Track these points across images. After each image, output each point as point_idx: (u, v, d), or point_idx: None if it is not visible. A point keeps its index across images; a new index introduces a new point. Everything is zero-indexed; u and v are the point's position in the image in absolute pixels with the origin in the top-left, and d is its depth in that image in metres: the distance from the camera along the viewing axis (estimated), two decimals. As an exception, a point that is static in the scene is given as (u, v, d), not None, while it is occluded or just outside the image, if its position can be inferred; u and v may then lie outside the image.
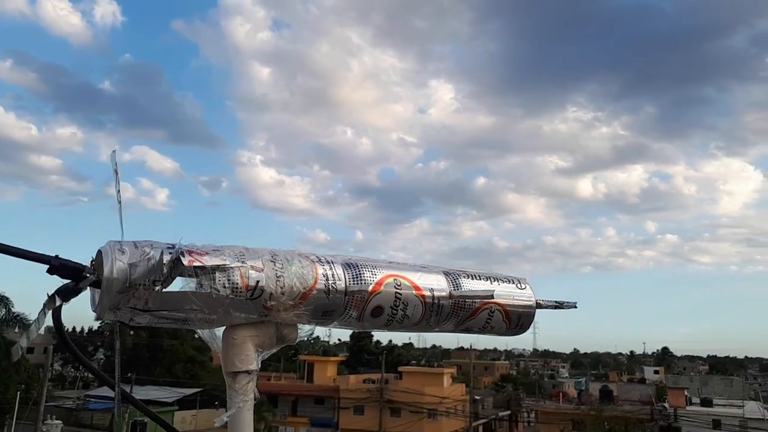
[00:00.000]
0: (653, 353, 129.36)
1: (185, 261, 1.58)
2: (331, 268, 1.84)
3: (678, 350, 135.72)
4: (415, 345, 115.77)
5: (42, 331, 1.61)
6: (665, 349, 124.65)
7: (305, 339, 2.07)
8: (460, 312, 2.03)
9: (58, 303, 1.50)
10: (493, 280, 2.15)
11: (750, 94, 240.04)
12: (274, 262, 1.74)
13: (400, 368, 51.74)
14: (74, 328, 67.59)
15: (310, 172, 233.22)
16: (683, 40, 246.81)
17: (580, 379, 79.99)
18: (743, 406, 41.86)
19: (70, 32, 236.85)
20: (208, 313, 1.63)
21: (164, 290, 1.58)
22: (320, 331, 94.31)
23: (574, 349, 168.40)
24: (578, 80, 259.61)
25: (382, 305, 1.88)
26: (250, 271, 1.67)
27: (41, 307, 1.47)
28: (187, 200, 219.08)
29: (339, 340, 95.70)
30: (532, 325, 2.22)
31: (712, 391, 54.45)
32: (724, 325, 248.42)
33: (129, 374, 39.19)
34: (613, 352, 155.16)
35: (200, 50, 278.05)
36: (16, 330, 30.96)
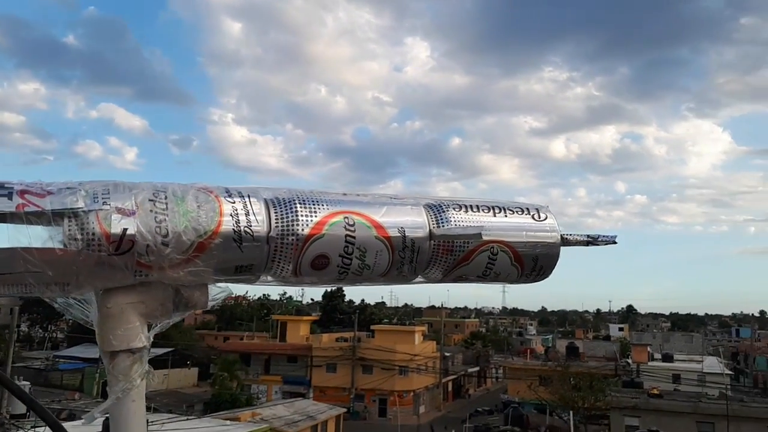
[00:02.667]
0: (618, 311, 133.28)
1: (12, 206, 1.14)
2: (245, 206, 1.33)
3: (642, 308, 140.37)
4: (388, 304, 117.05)
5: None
6: (630, 307, 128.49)
7: (219, 303, 1.49)
8: (446, 256, 1.54)
9: None
10: (498, 210, 1.63)
11: (723, 55, 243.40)
12: (155, 201, 1.25)
13: (372, 327, 52.30)
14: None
15: (283, 131, 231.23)
16: (660, 0, 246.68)
17: (547, 337, 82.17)
18: (702, 362, 43.46)
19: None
20: (56, 276, 1.17)
21: None
22: (293, 291, 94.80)
23: (542, 307, 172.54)
24: (555, 40, 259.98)
25: (326, 253, 1.39)
26: (114, 215, 1.19)
27: None
28: (157, 159, 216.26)
29: (312, 299, 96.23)
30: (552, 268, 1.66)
31: (673, 347, 56.33)
32: (687, 283, 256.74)
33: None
34: (580, 310, 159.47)
35: (168, 3, 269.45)
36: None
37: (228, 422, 21.98)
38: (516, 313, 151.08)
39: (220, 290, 1.45)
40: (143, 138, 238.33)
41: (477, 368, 58.41)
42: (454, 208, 1.57)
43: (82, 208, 1.18)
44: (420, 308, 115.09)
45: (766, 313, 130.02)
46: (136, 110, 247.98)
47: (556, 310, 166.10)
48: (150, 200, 1.25)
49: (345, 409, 34.86)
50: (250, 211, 1.32)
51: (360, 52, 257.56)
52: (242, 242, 1.29)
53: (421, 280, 1.62)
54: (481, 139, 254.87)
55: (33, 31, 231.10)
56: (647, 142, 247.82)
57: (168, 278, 1.28)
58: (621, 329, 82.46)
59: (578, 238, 1.72)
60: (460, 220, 1.56)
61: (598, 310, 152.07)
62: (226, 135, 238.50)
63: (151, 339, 1.35)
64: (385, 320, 71.77)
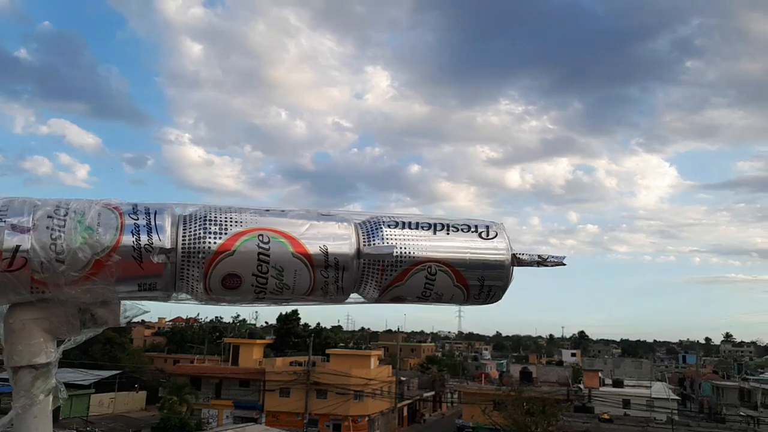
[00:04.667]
0: (571, 336, 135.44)
1: None
2: (148, 222, 1.30)
3: (594, 334, 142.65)
4: (344, 328, 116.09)
5: None
6: (582, 333, 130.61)
7: (129, 321, 1.47)
8: (378, 275, 1.45)
9: None
10: (440, 227, 1.54)
11: (670, 95, 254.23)
12: (53, 218, 1.24)
13: (327, 351, 51.74)
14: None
15: (241, 153, 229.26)
16: (612, 40, 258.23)
17: (501, 362, 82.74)
18: (651, 387, 44.45)
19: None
20: None
21: None
22: (246, 314, 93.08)
23: (497, 332, 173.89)
24: (511, 74, 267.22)
25: (237, 272, 1.33)
26: (7, 232, 1.19)
27: None
28: (110, 177, 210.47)
29: (266, 322, 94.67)
30: (496, 294, 1.57)
31: (623, 372, 57.51)
32: (637, 310, 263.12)
33: None
34: (534, 335, 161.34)
35: (127, 22, 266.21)
36: None
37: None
38: (472, 337, 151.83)
39: (133, 308, 1.43)
40: (96, 155, 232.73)
41: (432, 393, 58.25)
42: (389, 225, 1.48)
43: None
44: (377, 332, 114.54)
45: (711, 340, 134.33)
46: (89, 127, 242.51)
47: (510, 335, 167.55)
48: (49, 217, 1.23)
49: (298, 435, 34.23)
50: (153, 228, 1.28)
51: (321, 78, 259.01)
52: (142, 260, 1.26)
53: (358, 299, 1.53)
54: (439, 167, 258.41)
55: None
56: (599, 174, 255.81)
57: (66, 295, 1.26)
58: (573, 355, 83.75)
59: (529, 257, 1.63)
60: (394, 238, 1.46)
61: (551, 335, 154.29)
62: (182, 155, 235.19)
63: (59, 355, 1.33)
64: (341, 344, 71.08)
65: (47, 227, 1.23)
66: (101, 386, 44.17)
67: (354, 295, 1.52)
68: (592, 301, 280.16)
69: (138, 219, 1.29)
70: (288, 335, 70.04)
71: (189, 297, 1.39)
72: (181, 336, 74.98)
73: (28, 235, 1.21)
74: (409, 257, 1.45)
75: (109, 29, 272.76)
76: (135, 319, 1.45)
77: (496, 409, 38.27)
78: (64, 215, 1.26)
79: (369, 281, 1.47)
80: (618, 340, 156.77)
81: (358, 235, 1.46)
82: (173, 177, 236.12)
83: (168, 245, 1.29)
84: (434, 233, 1.51)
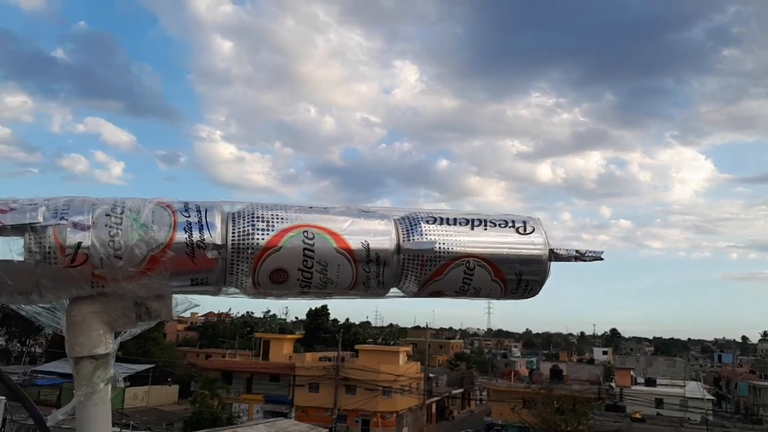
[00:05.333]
0: (603, 334, 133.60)
1: None
2: (200, 220, 1.35)
3: (626, 332, 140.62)
4: (373, 323, 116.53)
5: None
6: (614, 331, 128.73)
7: (180, 314, 1.52)
8: (418, 270, 1.47)
9: None
10: (477, 223, 1.55)
11: (706, 86, 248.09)
12: (111, 216, 1.30)
13: (356, 346, 51.96)
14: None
15: (271, 149, 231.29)
16: (646, 30, 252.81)
17: (531, 359, 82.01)
18: (684, 386, 43.61)
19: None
20: (16, 286, 1.24)
21: None
22: (276, 309, 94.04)
23: (527, 329, 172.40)
24: (542, 66, 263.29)
25: (284, 267, 1.37)
26: (69, 230, 1.24)
27: None
28: (144, 174, 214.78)
29: (296, 318, 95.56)
30: (536, 288, 1.56)
31: (656, 371, 56.59)
32: (671, 308, 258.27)
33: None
34: (564, 332, 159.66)
35: (159, 21, 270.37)
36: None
37: (208, 441, 21.64)
38: (501, 334, 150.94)
39: (185, 302, 1.47)
40: (130, 153, 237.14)
41: (461, 390, 58.11)
42: (427, 221, 1.50)
43: (40, 222, 1.24)
44: (405, 328, 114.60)
45: (747, 339, 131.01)
46: (124, 125, 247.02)
47: (540, 332, 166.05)
48: (107, 215, 1.28)
49: (327, 430, 34.46)
50: (205, 225, 1.32)
51: (350, 74, 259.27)
52: (195, 255, 1.30)
53: (397, 293, 1.55)
54: (469, 162, 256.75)
55: (21, 44, 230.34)
56: (632, 168, 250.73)
57: (124, 290, 1.31)
58: (605, 353, 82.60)
59: (567, 252, 1.62)
60: (433, 233, 1.48)
61: (582, 333, 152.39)
62: (213, 152, 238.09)
63: (117, 347, 1.38)
64: (370, 340, 71.39)
65: (106, 225, 1.27)
66: (135, 380, 45.15)
67: (394, 290, 1.53)
68: (625, 298, 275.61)
69: (190, 216, 1.33)
70: (317, 330, 70.61)
71: (238, 291, 1.42)
72: (213, 331, 76.14)
73: (89, 233, 1.25)
74: (448, 252, 1.46)
75: (140, 28, 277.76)
76: (185, 313, 1.48)
77: (526, 407, 38.00)
78: (121, 213, 1.30)
79: (409, 276, 1.48)
80: (651, 338, 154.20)
81: (397, 230, 1.48)
82: (205, 174, 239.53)
83: (219, 241, 1.33)
84: (472, 228, 1.52)
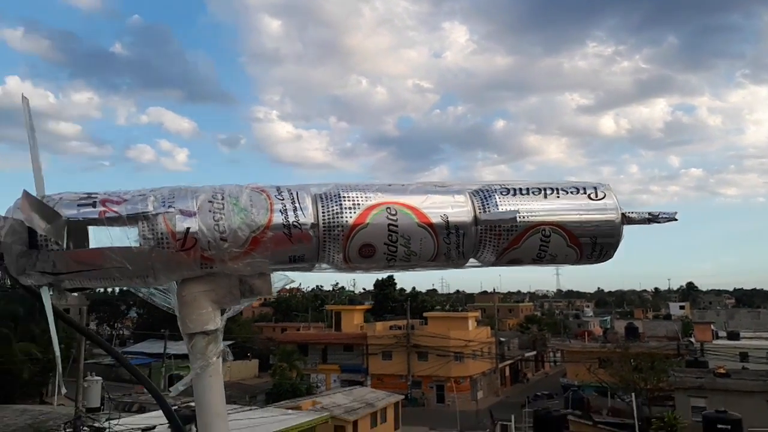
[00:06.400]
0: (679, 289, 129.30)
1: (96, 213, 1.35)
2: (293, 201, 1.47)
3: (704, 285, 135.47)
4: (439, 291, 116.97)
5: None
6: (690, 285, 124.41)
7: (279, 290, 1.70)
8: (494, 240, 1.56)
9: None
10: (550, 191, 1.61)
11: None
12: (213, 202, 1.42)
13: (425, 314, 52.42)
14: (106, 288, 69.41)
15: (327, 125, 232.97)
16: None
17: (605, 318, 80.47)
18: (771, 338, 41.77)
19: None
20: (135, 270, 1.36)
21: (76, 249, 1.34)
22: (345, 281, 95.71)
23: (598, 288, 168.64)
24: (598, 13, 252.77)
25: (371, 242, 1.49)
26: (177, 216, 1.37)
27: None
28: (207, 159, 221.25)
29: (364, 289, 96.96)
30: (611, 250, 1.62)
31: (739, 324, 54.30)
32: (751, 258, 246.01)
33: (162, 330, 40.27)
34: (638, 289, 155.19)
35: (207, 7, 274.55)
36: None
37: (290, 411, 22.53)
38: (571, 295, 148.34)
39: (282, 278, 1.63)
40: (192, 139, 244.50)
41: (534, 352, 57.82)
42: (501, 193, 1.58)
43: (151, 211, 1.38)
44: (472, 294, 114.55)
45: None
46: (184, 112, 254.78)
47: (613, 290, 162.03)
48: (209, 201, 1.42)
49: (403, 396, 35.16)
50: (298, 207, 1.45)
51: (398, 41, 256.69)
52: (292, 235, 1.44)
53: (475, 263, 1.64)
54: (527, 120, 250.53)
55: (83, 42, 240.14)
56: (701, 112, 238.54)
57: (230, 269, 1.44)
58: (682, 308, 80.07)
59: (639, 215, 1.67)
60: (508, 204, 1.56)
61: (656, 289, 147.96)
62: (271, 132, 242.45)
63: (224, 322, 1.52)
64: (437, 307, 71.87)
65: (209, 211, 1.40)
66: (217, 356, 47.09)
67: (472, 260, 1.63)
68: (700, 250, 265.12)
69: (284, 199, 1.47)
70: (386, 300, 71.58)
71: (329, 267, 1.56)
72: (287, 305, 78.44)
73: (195, 219, 1.39)
74: (524, 221, 1.54)
75: (191, 16, 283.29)
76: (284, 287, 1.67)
77: (602, 366, 37.45)
78: (222, 199, 1.43)
79: (487, 246, 1.58)
80: (731, 289, 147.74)
81: (473, 203, 1.58)
82: (266, 154, 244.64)
83: (312, 221, 1.46)
84: (545, 197, 1.59)
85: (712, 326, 48.09)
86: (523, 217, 1.54)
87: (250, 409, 21.77)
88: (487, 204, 1.58)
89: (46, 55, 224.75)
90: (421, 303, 68.96)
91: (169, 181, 1.53)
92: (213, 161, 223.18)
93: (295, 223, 1.45)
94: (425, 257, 1.54)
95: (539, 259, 1.61)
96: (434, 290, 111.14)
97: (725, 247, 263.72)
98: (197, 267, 1.42)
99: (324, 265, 1.56)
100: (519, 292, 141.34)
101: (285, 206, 1.45)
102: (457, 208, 1.55)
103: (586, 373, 39.18)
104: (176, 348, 40.85)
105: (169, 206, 1.40)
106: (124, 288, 1.51)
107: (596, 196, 1.62)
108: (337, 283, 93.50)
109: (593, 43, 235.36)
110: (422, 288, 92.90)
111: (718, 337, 44.70)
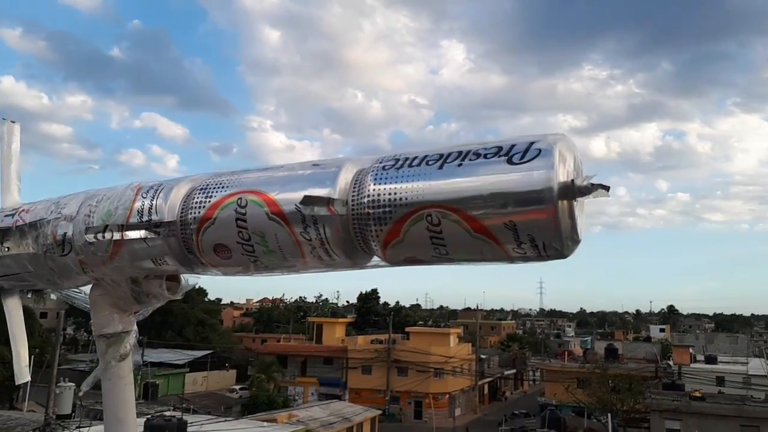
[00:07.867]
0: (660, 311, 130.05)
1: (11, 222, 1.35)
2: (153, 198, 1.29)
3: (684, 308, 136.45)
4: (423, 306, 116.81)
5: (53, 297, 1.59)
6: (671, 308, 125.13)
7: (183, 294, 1.50)
8: (368, 230, 1.17)
9: None
10: (452, 158, 1.13)
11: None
12: (91, 205, 1.34)
13: (407, 329, 52.27)
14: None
15: (320, 137, 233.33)
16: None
17: (585, 338, 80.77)
18: (747, 364, 42.13)
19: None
20: (41, 273, 1.31)
21: None
22: (328, 293, 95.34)
23: (581, 308, 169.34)
24: (595, 37, 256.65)
25: (222, 241, 1.23)
26: (61, 222, 1.32)
27: None
28: (198, 166, 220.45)
29: (347, 302, 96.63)
30: (557, 246, 1.11)
31: (717, 348, 54.69)
32: (732, 283, 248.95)
33: (140, 338, 39.68)
34: (620, 311, 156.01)
35: (209, 14, 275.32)
36: None
37: (265, 424, 22.28)
38: (554, 314, 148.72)
39: (187, 285, 1.53)
40: (184, 145, 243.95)
41: (514, 370, 57.80)
42: (385, 168, 1.18)
43: (45, 218, 1.37)
44: (455, 310, 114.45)
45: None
46: (177, 119, 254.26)
47: (595, 311, 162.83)
48: (88, 205, 1.36)
49: (380, 411, 34.92)
50: (153, 206, 1.30)
51: (396, 56, 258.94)
52: (146, 237, 1.31)
53: (379, 262, 1.29)
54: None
55: (81, 45, 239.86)
56: (690, 138, 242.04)
57: (99, 275, 1.36)
58: (662, 330, 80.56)
59: (585, 184, 1.19)
60: (384, 182, 1.12)
61: (638, 311, 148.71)
62: (264, 141, 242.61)
63: (134, 327, 1.51)
64: (420, 322, 71.62)
65: (85, 215, 1.35)
66: (195, 365, 46.73)
67: (375, 259, 1.31)
68: (683, 274, 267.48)
69: (145, 198, 1.34)
70: (368, 314, 71.30)
71: (202, 271, 1.44)
72: (268, 316, 77.96)
73: (71, 224, 1.36)
74: (398, 203, 1.09)
75: (192, 23, 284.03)
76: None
77: (580, 386, 37.52)
78: (96, 202, 1.36)
79: (365, 239, 1.22)
80: (711, 314, 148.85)
81: (346, 185, 1.22)
82: (258, 163, 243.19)
83: (168, 219, 1.31)
84: (440, 167, 1.12)
85: (691, 350, 48.42)
86: (396, 199, 1.09)
87: (225, 420, 21.53)
88: (361, 185, 1.17)
89: (42, 56, 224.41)
90: (404, 318, 68.79)
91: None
92: (203, 168, 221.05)
93: (148, 222, 1.29)
94: (292, 254, 1.21)
95: (441, 256, 1.11)
96: (418, 305, 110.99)
97: (708, 271, 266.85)
98: (80, 271, 1.38)
99: (199, 270, 1.35)
100: (502, 309, 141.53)
101: (143, 206, 1.29)
102: (299, 192, 1.14)
103: (564, 393, 39.23)
104: (154, 356, 40.41)
105: (59, 213, 1.36)
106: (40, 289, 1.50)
107: (522, 158, 1.10)
108: (321, 295, 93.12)
109: (589, 66, 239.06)
110: (406, 303, 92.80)
111: (696, 361, 44.99)
